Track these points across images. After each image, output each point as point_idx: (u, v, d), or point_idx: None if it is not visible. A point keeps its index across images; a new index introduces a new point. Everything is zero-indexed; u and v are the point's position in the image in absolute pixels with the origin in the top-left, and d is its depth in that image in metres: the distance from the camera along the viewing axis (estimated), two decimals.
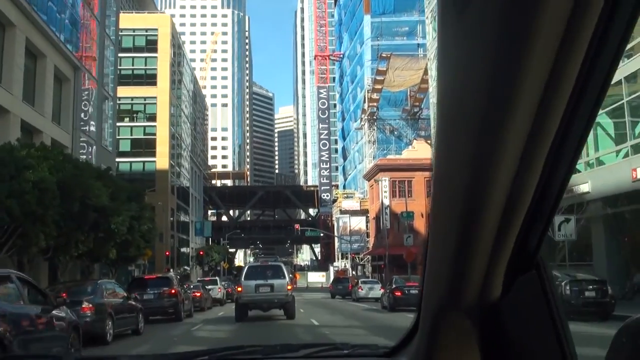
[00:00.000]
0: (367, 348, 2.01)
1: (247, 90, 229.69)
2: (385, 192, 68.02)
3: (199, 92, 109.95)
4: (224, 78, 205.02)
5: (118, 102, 66.96)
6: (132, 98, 66.96)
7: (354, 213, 77.88)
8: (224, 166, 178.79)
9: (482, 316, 1.19)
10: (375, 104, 77.51)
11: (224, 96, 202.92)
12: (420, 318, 1.46)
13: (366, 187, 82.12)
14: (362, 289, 37.19)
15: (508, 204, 1.00)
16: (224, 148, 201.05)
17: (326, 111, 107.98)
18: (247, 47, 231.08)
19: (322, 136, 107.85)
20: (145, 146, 66.01)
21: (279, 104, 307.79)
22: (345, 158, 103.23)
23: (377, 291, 36.68)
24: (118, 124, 66.28)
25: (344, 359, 1.93)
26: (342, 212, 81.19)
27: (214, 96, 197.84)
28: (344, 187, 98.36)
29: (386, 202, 67.73)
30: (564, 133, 0.95)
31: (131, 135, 67.01)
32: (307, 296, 46.97)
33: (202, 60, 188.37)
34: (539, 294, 1.13)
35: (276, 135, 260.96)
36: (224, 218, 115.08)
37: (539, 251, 1.13)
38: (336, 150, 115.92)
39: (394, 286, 26.27)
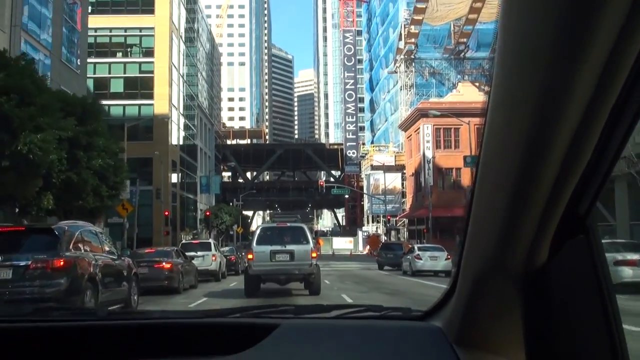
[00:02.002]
0: (399, 311, 1.98)
1: (266, 50, 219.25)
2: (427, 141, 56.79)
3: (210, 40, 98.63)
4: (241, 35, 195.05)
5: (109, 33, 56.62)
6: (126, 29, 56.26)
7: (388, 169, 66.49)
8: (241, 128, 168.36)
9: (525, 281, 1.13)
10: (413, 40, 65.64)
11: (241, 54, 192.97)
12: (459, 280, 1.40)
13: (401, 139, 70.86)
14: (420, 259, 26.47)
15: (566, 161, 0.93)
16: (241, 109, 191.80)
17: (352, 58, 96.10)
18: (265, 4, 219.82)
19: (347, 86, 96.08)
20: (142, 86, 55.29)
21: (298, 68, 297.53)
22: (373, 111, 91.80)
23: (443, 261, 25.94)
24: (109, 60, 56.04)
25: (376, 320, 1.88)
26: (374, 167, 70.00)
27: (230, 54, 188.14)
28: (372, 144, 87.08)
29: (429, 154, 56.57)
30: (627, 94, 0.88)
31: (124, 73, 56.25)
32: (339, 266, 36.18)
33: (217, 16, 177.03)
34: (587, 260, 1.08)
35: (296, 99, 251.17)
36: (241, 181, 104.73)
37: (589, 215, 1.06)
38: (362, 109, 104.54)
39: None
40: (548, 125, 0.90)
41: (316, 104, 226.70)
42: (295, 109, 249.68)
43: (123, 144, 26.77)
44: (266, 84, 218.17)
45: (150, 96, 54.85)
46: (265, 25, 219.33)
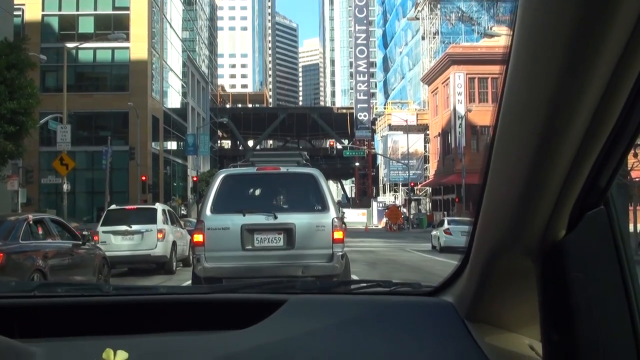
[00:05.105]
0: (409, 286, 1.95)
1: (269, 16, 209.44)
2: (459, 94, 47.39)
3: None
4: None
5: None
6: None
7: (409, 129, 57.05)
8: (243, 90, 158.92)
9: (542, 255, 1.09)
10: None
11: (243, 18, 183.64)
12: (471, 255, 1.37)
13: (422, 96, 61.47)
14: (450, 234, 23.18)
15: (589, 130, 0.90)
16: (243, 76, 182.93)
17: (364, 9, 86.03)
18: None
19: (359, 41, 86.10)
20: (115, 26, 45.89)
21: (303, 38, 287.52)
22: (387, 70, 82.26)
23: None
24: None
25: (385, 296, 1.87)
26: (392, 127, 60.63)
27: (232, 18, 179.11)
28: (385, 108, 77.62)
29: (460, 109, 47.22)
30: None
31: (95, 9, 46.86)
32: (360, 245, 27.34)
33: None
34: (607, 232, 1.05)
35: (300, 69, 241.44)
36: (241, 148, 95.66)
37: (609, 187, 1.02)
38: (373, 75, 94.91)
39: None
40: (570, 92, 0.85)
41: (321, 73, 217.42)
42: (300, 79, 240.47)
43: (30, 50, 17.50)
44: (269, 51, 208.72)
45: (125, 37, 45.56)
46: None
